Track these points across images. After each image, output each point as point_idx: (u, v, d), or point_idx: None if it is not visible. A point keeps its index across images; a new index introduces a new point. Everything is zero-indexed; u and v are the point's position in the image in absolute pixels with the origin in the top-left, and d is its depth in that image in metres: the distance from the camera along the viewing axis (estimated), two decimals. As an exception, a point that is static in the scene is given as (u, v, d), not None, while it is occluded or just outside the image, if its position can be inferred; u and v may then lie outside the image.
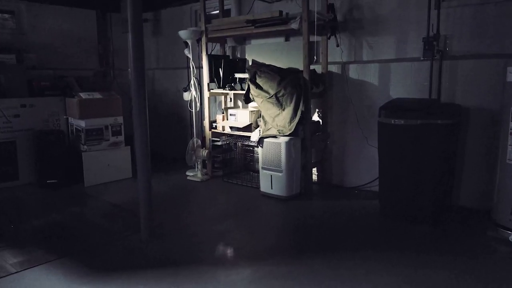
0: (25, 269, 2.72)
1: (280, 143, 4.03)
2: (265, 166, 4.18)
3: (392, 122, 3.33)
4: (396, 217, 3.45)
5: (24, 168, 4.75)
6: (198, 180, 4.88)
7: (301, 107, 4.06)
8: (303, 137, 4.14)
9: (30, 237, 3.28)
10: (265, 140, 4.15)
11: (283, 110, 4.11)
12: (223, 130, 4.90)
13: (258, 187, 4.39)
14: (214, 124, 5.02)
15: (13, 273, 2.67)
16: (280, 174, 4.06)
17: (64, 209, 3.95)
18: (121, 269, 2.71)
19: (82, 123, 4.74)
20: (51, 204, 4.12)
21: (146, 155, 3.09)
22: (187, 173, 5.08)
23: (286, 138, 4.02)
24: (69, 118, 5.07)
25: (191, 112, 5.12)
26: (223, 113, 5.06)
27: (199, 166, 4.97)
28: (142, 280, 2.56)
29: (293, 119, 4.05)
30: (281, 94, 4.08)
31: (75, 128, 4.94)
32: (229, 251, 3.04)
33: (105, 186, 4.68)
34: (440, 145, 3.23)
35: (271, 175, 4.13)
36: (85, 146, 4.73)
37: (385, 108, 3.44)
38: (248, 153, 5.04)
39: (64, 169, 4.71)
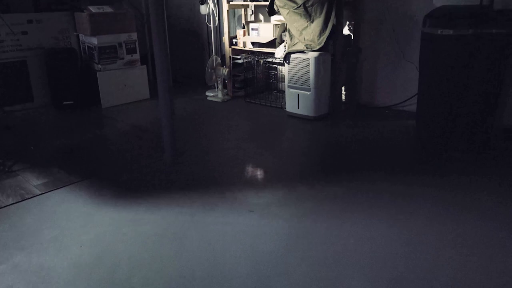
0: (50, 191, 2.64)
1: (308, 59, 3.71)
2: (292, 85, 3.90)
3: (439, 32, 2.95)
4: (434, 139, 3.22)
5: (38, 89, 4.56)
6: (219, 100, 4.66)
7: (332, 19, 3.66)
8: (333, 52, 3.79)
9: (51, 159, 3.18)
10: (291, 56, 3.82)
11: (312, 22, 3.72)
12: (244, 47, 4.55)
13: (283, 108, 4.16)
14: (234, 41, 4.65)
15: (38, 195, 2.59)
16: (308, 92, 3.79)
17: (83, 131, 3.82)
18: (147, 191, 2.62)
19: (94, 40, 4.43)
20: (69, 126, 3.98)
21: (167, 75, 2.85)
22: (207, 93, 4.84)
23: (315, 53, 3.69)
24: (80, 35, 4.75)
25: (208, 28, 4.73)
26: (243, 27, 4.67)
27: (219, 86, 4.71)
28: (170, 201, 2.46)
29: (323, 32, 3.68)
30: (310, 3, 3.66)
31: (87, 46, 4.64)
32: (257, 173, 2.91)
33: (123, 108, 4.50)
34: (493, 59, 2.88)
35: (298, 94, 3.87)
36: (99, 65, 4.47)
37: (432, 17, 3.04)
38: (271, 71, 4.73)
39: (79, 90, 4.51)
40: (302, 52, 3.76)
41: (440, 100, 3.13)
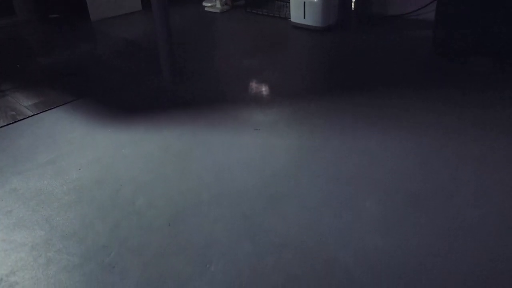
0: (43, 112, 2.48)
1: (317, -40, 3.31)
2: (297, -9, 3.54)
3: None
4: (455, 50, 2.97)
5: (20, 1, 4.17)
6: (217, 11, 4.29)
7: None
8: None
9: (41, 78, 2.97)
10: (298, -43, 3.41)
11: None
12: None
13: (287, 18, 3.83)
14: None
15: (30, 116, 2.44)
16: (315, 1, 3.45)
17: (73, 47, 3.54)
18: (146, 110, 2.46)
19: None
20: (57, 41, 3.69)
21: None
22: (204, 3, 4.45)
23: (325, -46, 3.28)
24: None
25: None
26: None
27: (217, -5, 4.31)
28: (171, 120, 2.31)
29: None
30: None
31: (68, -50, 4.15)
32: (262, 90, 2.72)
33: (114, 21, 4.15)
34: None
35: (304, 2, 3.52)
36: (84, -27, 4.03)
37: None
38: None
39: (65, 1, 4.12)
40: (310, -48, 3.34)
41: (462, 6, 2.82)
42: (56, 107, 2.53)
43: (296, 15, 3.65)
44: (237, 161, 1.95)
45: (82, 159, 2.02)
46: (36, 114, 2.46)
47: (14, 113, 2.48)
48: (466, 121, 2.17)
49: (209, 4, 4.39)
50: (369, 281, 1.33)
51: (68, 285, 1.36)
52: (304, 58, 3.22)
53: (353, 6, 3.94)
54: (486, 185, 1.72)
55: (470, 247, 1.43)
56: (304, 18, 3.60)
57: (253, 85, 2.77)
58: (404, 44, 3.25)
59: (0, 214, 1.69)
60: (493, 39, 2.80)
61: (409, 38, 3.36)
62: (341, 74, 2.88)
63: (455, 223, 1.53)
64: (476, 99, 2.38)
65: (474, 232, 1.49)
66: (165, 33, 2.71)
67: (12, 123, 2.37)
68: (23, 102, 2.60)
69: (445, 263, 1.38)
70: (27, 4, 4.18)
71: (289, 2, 3.72)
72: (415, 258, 1.40)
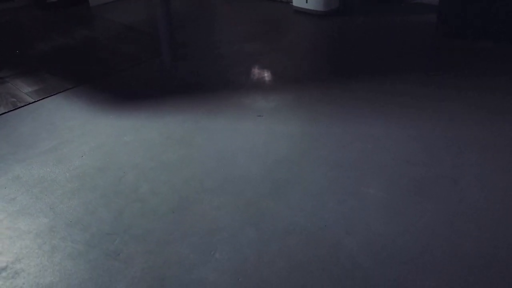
0: (43, 98, 2.47)
1: None
2: (299, -26, 3.48)
3: None
4: (459, 33, 2.93)
5: (17, -14, 4.11)
6: (218, -5, 4.22)
7: None
8: None
9: (40, 64, 2.94)
10: None
11: None
12: None
13: (289, 2, 3.77)
14: None
15: (31, 103, 2.42)
16: (318, -17, 3.40)
17: (72, 32, 3.50)
18: (146, 96, 2.44)
19: None
20: (56, 27, 3.65)
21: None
22: (204, -12, 4.38)
23: None
24: None
25: None
26: None
27: (218, -21, 4.24)
28: (172, 107, 2.30)
29: None
30: None
31: None
32: (264, 76, 2.69)
33: (113, 6, 4.10)
34: None
35: (306, -14, 3.47)
36: (81, -44, 3.96)
37: None
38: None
39: (62, -14, 4.06)
40: None
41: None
42: (57, 93, 2.51)
43: (298, -1, 3.60)
44: (240, 148, 1.94)
45: (84, 146, 2.02)
46: (37, 101, 2.45)
47: (14, 99, 2.46)
48: (470, 105, 2.15)
49: (209, -12, 4.32)
50: (373, 266, 1.33)
51: (74, 272, 1.37)
52: (306, 43, 3.18)
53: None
54: (489, 169, 1.72)
55: (474, 231, 1.43)
56: (307, 2, 3.54)
57: (255, 70, 2.74)
58: (407, 28, 3.21)
59: (4, 202, 1.69)
60: (495, 21, 2.76)
61: (412, 21, 3.32)
62: (344, 59, 2.85)
63: (459, 208, 1.53)
64: (480, 83, 2.36)
65: (478, 216, 1.49)
66: (165, 17, 2.68)
67: (13, 110, 2.36)
68: (23, 89, 2.58)
69: (449, 248, 1.38)
70: (25, -12, 4.12)
71: (290, -14, 3.67)
72: (419, 244, 1.40)
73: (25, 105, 2.40)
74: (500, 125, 1.99)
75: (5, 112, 2.34)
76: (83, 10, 4.01)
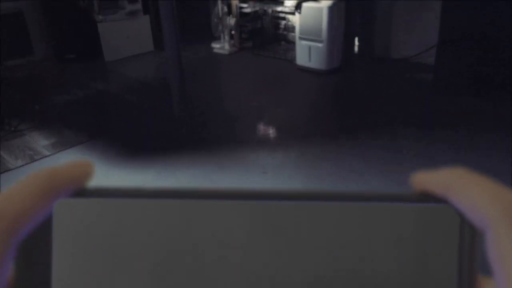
0: (59, 152, 2.59)
1: (321, 8, 3.49)
2: (303, 36, 3.71)
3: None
4: (455, 91, 3.09)
5: (37, 41, 4.38)
6: (226, 52, 4.47)
7: (347, -37, 3.40)
8: (346, 1, 3.57)
9: (58, 117, 3.11)
10: (304, 4, 3.60)
11: (326, -34, 3.46)
12: (252, -6, 4.30)
13: (292, 60, 3.99)
14: (241, -13, 4.39)
15: (47, 156, 2.55)
16: (320, 45, 3.61)
17: (88, 85, 3.70)
18: (157, 150, 2.56)
19: (93, -11, 4.19)
20: (74, 80, 3.87)
21: (174, 26, 2.68)
22: (213, 44, 4.65)
23: (329, 2, 3.46)
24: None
25: (214, -27, 4.44)
26: (251, -27, 4.38)
27: (226, 37, 4.51)
28: (182, 162, 2.41)
29: (337, -22, 3.43)
30: None
31: (86, -6, 4.40)
32: (269, 132, 2.83)
33: (127, 61, 4.34)
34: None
35: (310, 46, 3.69)
36: (100, 16, 4.26)
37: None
38: (280, 20, 4.50)
39: (81, 42, 4.33)
40: (315, 0, 3.53)
41: (463, 46, 2.96)
42: (72, 147, 2.64)
43: (301, 58, 3.81)
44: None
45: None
46: (53, 154, 2.57)
47: (31, 152, 2.59)
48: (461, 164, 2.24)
49: (218, 46, 4.59)
50: None
51: None
52: (309, 100, 3.35)
53: (356, 49, 4.11)
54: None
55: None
56: (309, 61, 3.75)
57: (260, 125, 2.88)
58: (405, 87, 3.38)
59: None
60: (489, 82, 2.92)
61: (410, 80, 3.50)
62: (345, 116, 2.99)
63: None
64: (477, 141, 2.47)
65: None
66: (177, 73, 2.85)
67: (30, 162, 2.48)
68: (40, 142, 2.72)
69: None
70: (45, 44, 4.39)
71: (294, 45, 3.90)
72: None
73: (42, 158, 2.53)
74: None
75: (23, 165, 2.45)
76: (98, 64, 4.25)
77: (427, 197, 0.21)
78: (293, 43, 3.99)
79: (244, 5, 4.40)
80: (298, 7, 3.66)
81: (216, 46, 4.61)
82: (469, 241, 0.20)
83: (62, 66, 4.26)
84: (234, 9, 4.44)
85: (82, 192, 0.21)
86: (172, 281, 0.20)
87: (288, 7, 3.93)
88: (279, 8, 4.16)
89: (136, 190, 0.21)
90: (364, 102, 3.18)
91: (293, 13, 3.95)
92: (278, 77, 3.78)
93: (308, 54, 3.74)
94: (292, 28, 4.26)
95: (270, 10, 4.39)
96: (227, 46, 4.51)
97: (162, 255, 0.21)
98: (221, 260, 0.20)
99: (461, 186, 0.20)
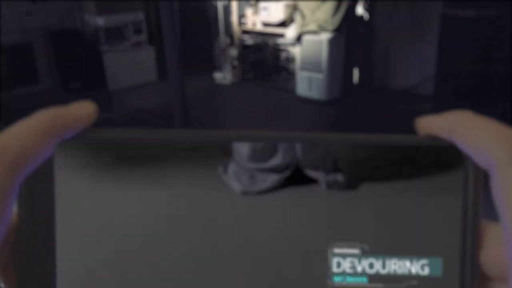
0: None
1: (321, 41, 3.59)
2: (304, 67, 3.80)
3: (461, 14, 2.83)
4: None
5: (44, 71, 4.48)
6: (228, 83, 4.56)
7: (346, -2, 3.53)
8: (346, 33, 3.67)
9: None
10: (304, 37, 3.70)
11: (325, 1, 3.58)
12: (253, 27, 4.42)
13: (293, 91, 4.07)
14: (243, 20, 4.52)
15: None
16: (320, 75, 3.69)
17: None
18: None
19: (100, 21, 4.32)
20: (77, 109, 3.92)
21: (178, 56, 2.76)
22: (215, 75, 4.74)
23: (329, 35, 3.57)
24: (84, 15, 4.63)
25: (216, 7, 4.59)
26: (253, 6, 4.53)
27: (228, 68, 4.61)
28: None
29: (337, 11, 3.55)
30: (323, -19, 3.53)
31: (92, 27, 4.53)
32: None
33: (131, 90, 4.42)
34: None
35: (310, 77, 3.77)
36: (106, 47, 4.37)
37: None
38: (280, 52, 4.61)
39: (86, 72, 4.43)
40: (315, 32, 3.64)
41: (459, 81, 3.03)
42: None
43: (301, 88, 3.89)
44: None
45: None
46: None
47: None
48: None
49: (220, 76, 4.68)
50: None
51: None
52: (309, 128, 3.39)
53: (355, 80, 4.20)
54: None
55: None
56: (310, 91, 3.82)
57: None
58: (404, 117, 3.42)
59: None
60: (488, 114, 2.96)
61: (409, 109, 3.55)
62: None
63: None
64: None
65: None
66: (179, 102, 2.91)
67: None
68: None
69: None
70: (50, 73, 4.49)
71: (295, 76, 3.98)
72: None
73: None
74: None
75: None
76: (103, 93, 4.33)
77: (432, 140, 0.21)
78: (294, 73, 4.07)
79: (246, 37, 4.52)
80: (298, 39, 3.76)
81: (218, 76, 4.70)
82: (473, 183, 0.20)
83: (68, 95, 4.33)
84: (236, 41, 4.56)
85: (84, 134, 0.21)
86: (173, 222, 0.20)
87: (289, 39, 4.04)
88: (280, 40, 4.26)
89: (138, 132, 0.21)
90: (364, 131, 3.21)
91: (293, 45, 4.06)
92: (279, 108, 3.83)
93: (308, 84, 3.81)
94: (292, 59, 4.36)
95: (271, 42, 4.50)
96: (229, 76, 4.60)
97: (163, 199, 0.20)
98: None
99: (466, 128, 0.20)
